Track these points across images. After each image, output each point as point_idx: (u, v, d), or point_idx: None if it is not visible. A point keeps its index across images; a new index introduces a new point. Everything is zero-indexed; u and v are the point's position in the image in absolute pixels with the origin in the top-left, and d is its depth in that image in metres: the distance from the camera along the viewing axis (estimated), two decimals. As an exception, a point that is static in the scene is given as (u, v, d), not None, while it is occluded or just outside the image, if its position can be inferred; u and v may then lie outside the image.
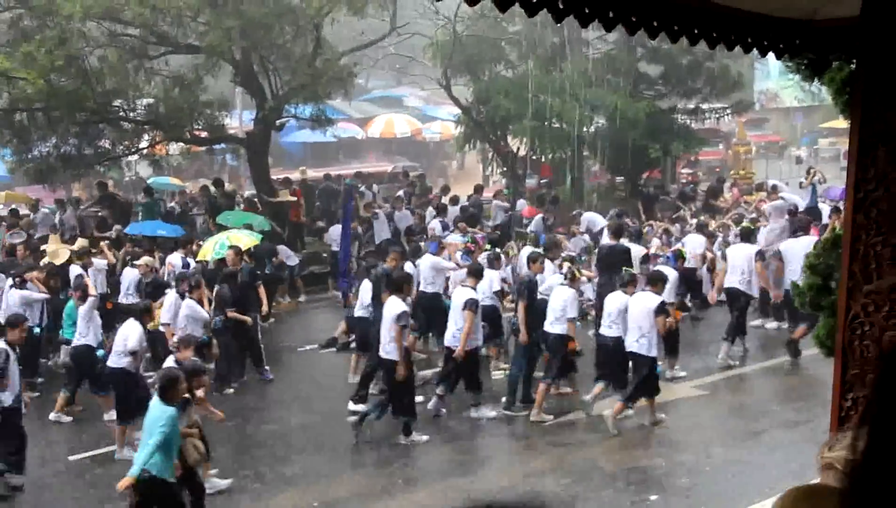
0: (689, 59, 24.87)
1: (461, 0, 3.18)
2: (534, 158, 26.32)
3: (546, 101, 23.47)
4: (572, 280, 12.24)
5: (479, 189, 22.93)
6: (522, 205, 22.76)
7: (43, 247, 16.50)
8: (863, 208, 3.69)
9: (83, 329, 12.00)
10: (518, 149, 26.01)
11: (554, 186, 25.22)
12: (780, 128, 45.11)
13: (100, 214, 20.81)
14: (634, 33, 3.83)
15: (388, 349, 11.14)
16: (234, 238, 15.41)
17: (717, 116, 26.86)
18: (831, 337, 6.11)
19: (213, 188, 22.12)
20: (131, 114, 20.64)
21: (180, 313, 12.65)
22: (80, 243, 16.46)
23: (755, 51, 4.44)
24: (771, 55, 4.57)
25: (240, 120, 30.02)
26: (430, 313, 13.90)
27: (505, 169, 26.40)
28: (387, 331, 11.12)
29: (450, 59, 24.76)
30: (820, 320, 6.78)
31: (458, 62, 24.99)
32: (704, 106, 26.31)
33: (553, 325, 11.96)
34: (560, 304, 11.90)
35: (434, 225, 18.83)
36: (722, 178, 27.02)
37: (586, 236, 18.87)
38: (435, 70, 26.80)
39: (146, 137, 21.48)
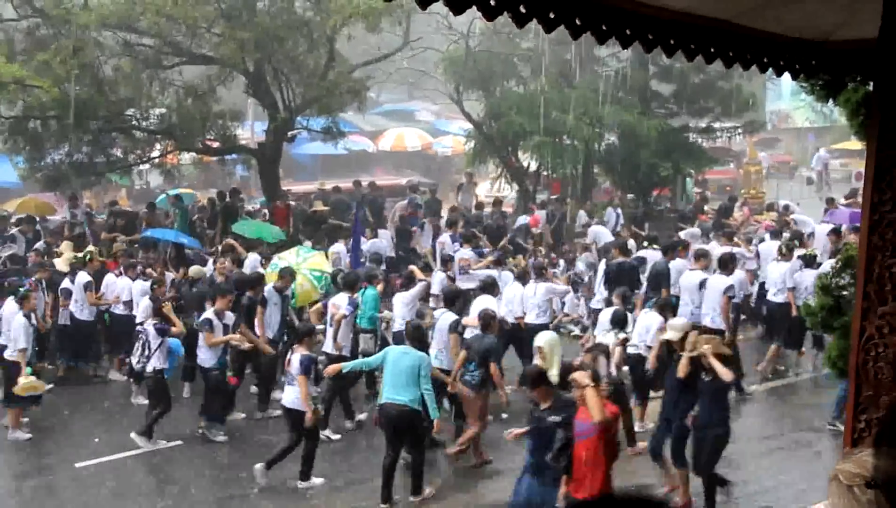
0: (702, 77, 24.87)
1: (475, 16, 3.19)
2: (544, 173, 26.31)
3: (557, 117, 23.49)
4: (786, 255, 14.63)
5: (498, 203, 22.96)
6: (526, 219, 22.75)
7: (56, 250, 16.58)
8: (878, 229, 3.68)
9: (406, 314, 12.78)
10: (529, 165, 26.02)
11: (563, 202, 25.21)
12: (792, 148, 45.02)
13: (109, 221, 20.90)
14: (651, 51, 3.84)
15: (715, 320, 13.05)
16: (314, 264, 15.22)
17: (729, 135, 26.78)
18: (842, 358, 6.10)
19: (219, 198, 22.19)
20: (144, 123, 20.73)
21: None
22: (90, 249, 16.52)
23: (769, 71, 4.44)
24: (785, 75, 4.58)
25: (252, 131, 30.12)
26: None
27: (517, 185, 26.39)
28: (715, 303, 13.14)
29: (462, 74, 24.81)
30: (831, 340, 6.76)
31: (470, 77, 25.05)
32: (716, 125, 26.26)
33: (776, 295, 14.33)
34: (779, 277, 14.26)
35: (444, 239, 18.80)
36: (734, 197, 26.97)
37: (593, 252, 18.87)
38: (447, 85, 26.86)
39: (158, 146, 21.57)
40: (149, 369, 11.86)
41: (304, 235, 20.50)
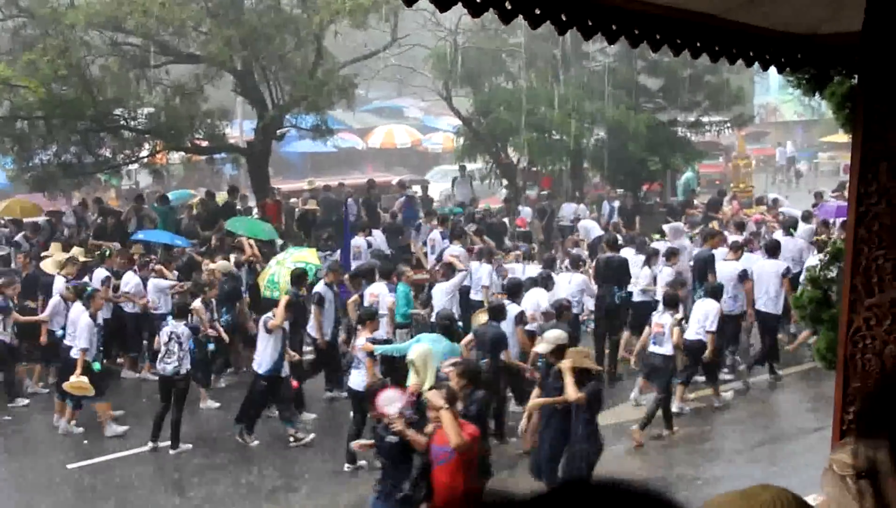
0: (690, 72, 24.91)
1: (462, 12, 3.19)
2: (534, 169, 26.33)
3: (546, 113, 23.51)
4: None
5: (508, 200, 23.01)
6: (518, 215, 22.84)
7: (44, 254, 16.50)
8: (865, 221, 3.69)
9: (447, 304, 13.17)
10: (518, 161, 26.03)
11: (554, 197, 25.24)
12: (780, 141, 45.17)
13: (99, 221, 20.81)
14: (637, 46, 3.85)
15: (767, 305, 13.76)
16: (299, 257, 15.34)
17: (717, 129, 26.87)
18: (831, 350, 6.13)
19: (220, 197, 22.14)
20: (132, 123, 20.65)
21: None
22: (76, 250, 16.46)
23: (756, 65, 4.46)
24: (772, 69, 4.59)
25: (240, 129, 30.06)
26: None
27: (507, 181, 26.40)
28: (769, 287, 13.74)
29: (450, 70, 24.80)
30: (820, 332, 6.79)
31: (458, 74, 25.05)
32: (704, 119, 26.33)
33: None
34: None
35: (434, 236, 18.78)
36: (723, 190, 27.03)
37: (584, 250, 18.88)
38: (435, 81, 26.85)
39: (146, 146, 21.50)
40: (182, 370, 11.70)
41: (296, 233, 20.48)
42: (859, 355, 3.72)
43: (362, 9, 18.66)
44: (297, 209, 22.69)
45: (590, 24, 3.52)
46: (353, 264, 16.97)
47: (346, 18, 19.14)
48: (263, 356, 11.76)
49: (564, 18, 3.43)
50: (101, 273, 14.83)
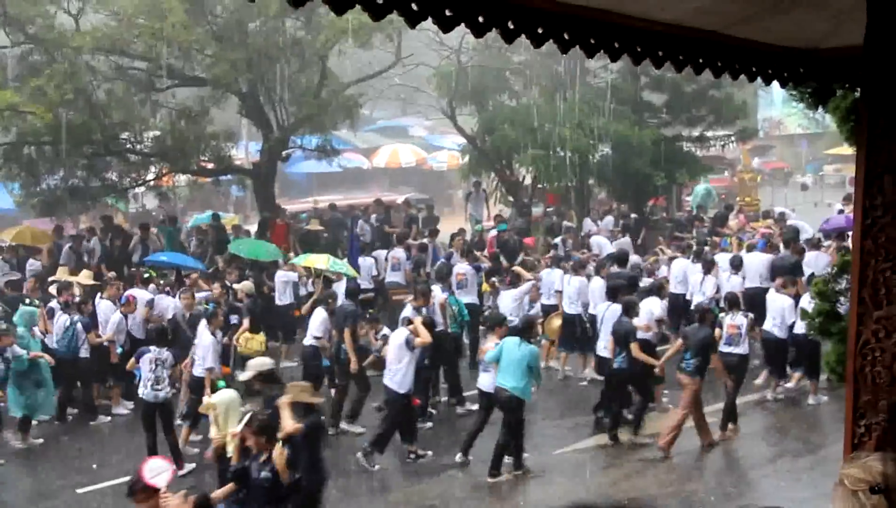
0: (694, 87, 24.94)
1: (466, 32, 3.21)
2: (539, 186, 26.34)
3: (551, 130, 23.53)
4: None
5: (526, 213, 23.19)
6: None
7: (51, 279, 16.55)
8: (871, 234, 3.68)
9: (514, 310, 14.12)
10: (524, 178, 26.05)
11: (559, 214, 25.24)
12: (785, 155, 45.14)
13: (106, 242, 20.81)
14: (640, 63, 3.86)
15: None
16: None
17: (722, 143, 26.86)
18: (841, 363, 6.11)
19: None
20: (138, 146, 20.77)
21: None
22: (86, 274, 16.51)
23: (759, 79, 4.46)
24: (775, 83, 4.60)
25: (246, 151, 30.18)
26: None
27: (513, 199, 26.42)
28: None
29: (454, 89, 24.87)
30: (829, 346, 6.78)
31: (462, 92, 25.11)
32: (709, 134, 26.33)
33: None
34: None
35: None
36: (730, 205, 27.00)
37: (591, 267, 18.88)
38: (440, 100, 26.93)
39: (153, 169, 21.60)
40: (169, 396, 11.67)
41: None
42: (869, 367, 3.70)
43: (366, 27, 18.76)
44: (303, 229, 22.72)
45: (592, 42, 3.53)
46: (391, 275, 17.41)
47: (351, 39, 19.26)
48: (406, 376, 11.45)
49: (567, 37, 3.44)
50: (144, 295, 14.86)
